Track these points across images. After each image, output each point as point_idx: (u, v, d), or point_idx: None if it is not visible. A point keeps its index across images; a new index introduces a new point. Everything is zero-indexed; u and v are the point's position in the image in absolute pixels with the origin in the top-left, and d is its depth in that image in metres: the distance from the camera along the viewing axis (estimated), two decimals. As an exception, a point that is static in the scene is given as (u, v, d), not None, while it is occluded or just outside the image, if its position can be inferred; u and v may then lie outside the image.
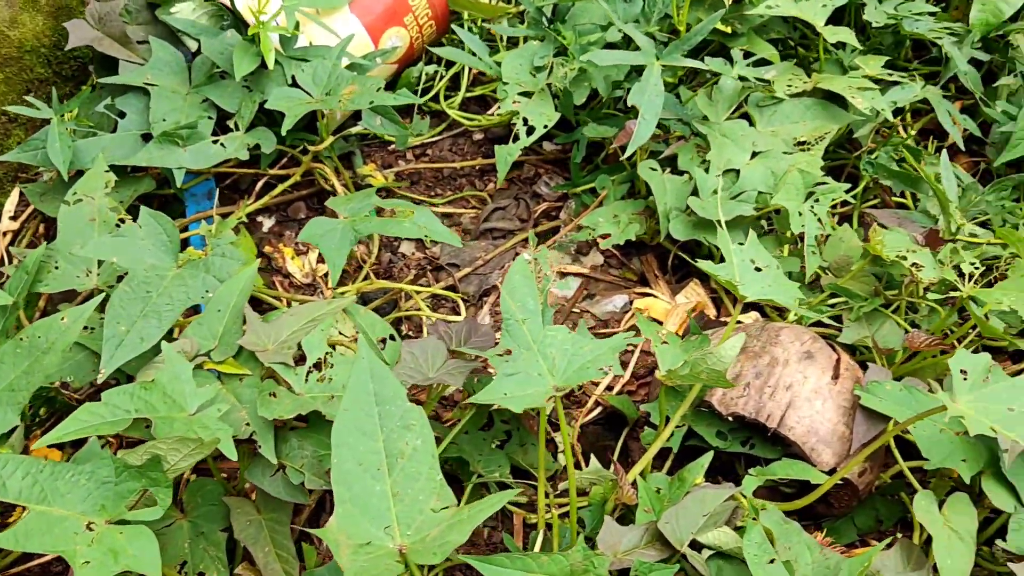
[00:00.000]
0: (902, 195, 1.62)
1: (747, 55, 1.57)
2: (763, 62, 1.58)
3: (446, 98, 1.83)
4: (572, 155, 1.60)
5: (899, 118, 1.69)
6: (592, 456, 1.28)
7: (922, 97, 1.58)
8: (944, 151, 1.39)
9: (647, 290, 1.55)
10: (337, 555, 0.86)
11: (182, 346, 1.15)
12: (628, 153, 1.35)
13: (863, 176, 1.56)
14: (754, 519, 1.04)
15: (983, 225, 1.52)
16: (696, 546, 1.09)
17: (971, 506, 1.10)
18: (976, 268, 1.21)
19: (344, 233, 1.26)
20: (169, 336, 1.20)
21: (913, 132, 1.67)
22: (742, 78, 1.47)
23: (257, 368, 1.14)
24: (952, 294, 1.21)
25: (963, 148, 1.58)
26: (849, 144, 1.66)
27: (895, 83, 1.55)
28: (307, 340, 1.14)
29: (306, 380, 1.12)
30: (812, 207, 1.35)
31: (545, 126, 1.46)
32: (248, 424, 1.08)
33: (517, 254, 1.63)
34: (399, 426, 0.95)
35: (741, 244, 1.16)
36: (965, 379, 0.96)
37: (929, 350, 1.20)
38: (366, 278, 1.56)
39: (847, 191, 1.45)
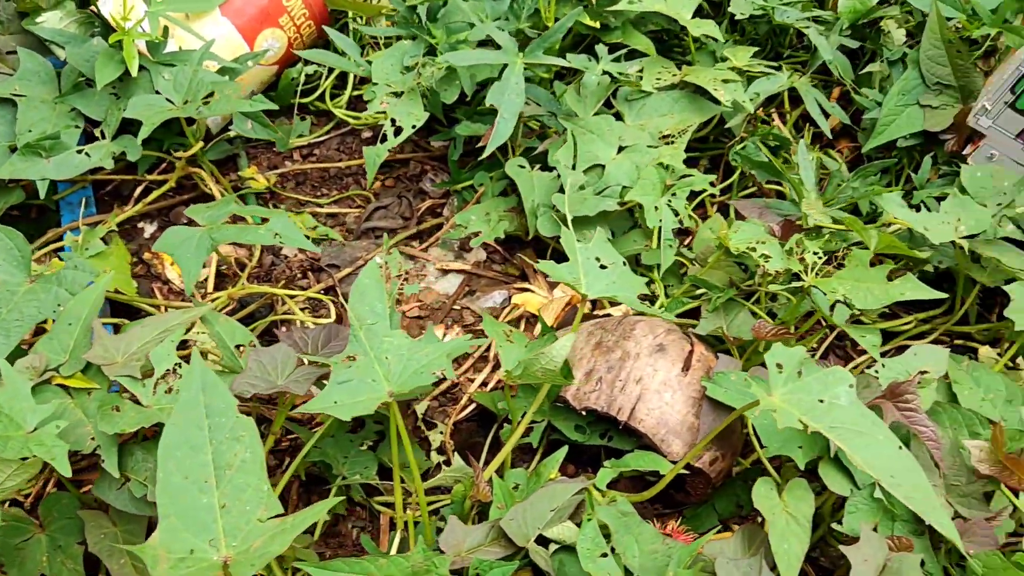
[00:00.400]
0: (779, 183, 1.65)
1: (621, 48, 1.59)
2: (635, 55, 1.59)
3: (333, 97, 1.82)
4: (449, 153, 1.61)
5: (775, 107, 1.71)
6: (455, 454, 1.30)
7: (791, 86, 1.61)
8: (803, 141, 1.41)
9: (526, 285, 1.56)
10: (154, 570, 0.87)
11: (31, 361, 1.15)
12: (487, 153, 1.37)
13: (737, 166, 1.58)
14: (590, 514, 1.06)
15: (856, 212, 1.56)
16: (545, 541, 1.11)
17: (809, 492, 1.13)
18: (819, 257, 1.23)
19: (201, 242, 1.26)
20: (20, 352, 1.20)
21: (791, 121, 1.70)
22: (606, 73, 1.48)
23: (105, 382, 1.14)
24: (794, 284, 1.24)
25: (830, 136, 1.61)
26: (725, 135, 1.69)
27: (764, 74, 1.57)
28: (155, 352, 1.15)
29: (154, 392, 1.12)
30: (669, 201, 1.37)
31: (413, 126, 1.47)
32: (93, 439, 1.08)
33: (400, 253, 1.63)
34: (228, 438, 0.96)
35: (580, 241, 1.18)
36: (780, 372, 0.99)
37: (775, 339, 1.23)
38: (248, 281, 1.56)
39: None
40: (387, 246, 1.60)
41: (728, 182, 1.62)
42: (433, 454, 1.38)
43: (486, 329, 1.17)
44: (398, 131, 1.46)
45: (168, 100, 1.42)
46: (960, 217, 1.34)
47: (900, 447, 0.92)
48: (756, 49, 1.61)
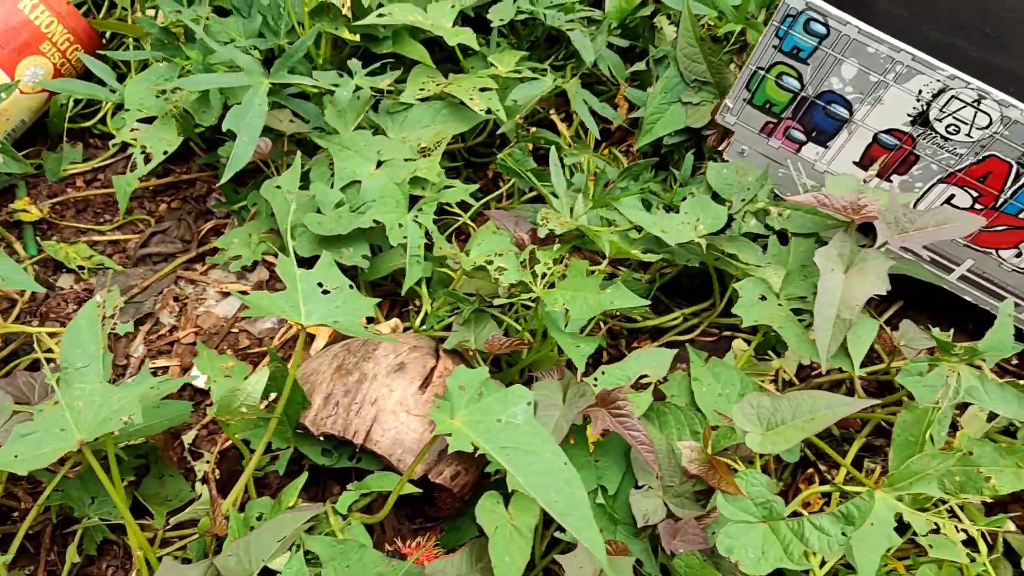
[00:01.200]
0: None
1: (392, 58, 1.59)
2: (403, 65, 1.59)
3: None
4: (219, 174, 1.59)
5: (551, 111, 1.72)
6: (203, 485, 1.29)
7: (563, 89, 1.62)
8: (553, 148, 1.42)
9: (305, 303, 1.55)
10: None
11: None
12: (223, 179, 1.35)
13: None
14: (298, 545, 1.06)
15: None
16: (271, 573, 1.12)
17: (534, 503, 1.16)
18: (548, 268, 1.25)
19: (-78, 290, 1.22)
20: None
21: (575, 124, 1.71)
22: (358, 88, 1.47)
23: None
24: (524, 297, 1.26)
25: (598, 137, 1.63)
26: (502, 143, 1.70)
27: (528, 79, 1.58)
28: None
29: None
30: (416, 216, 1.37)
31: (165, 152, 1.45)
32: None
33: (179, 278, 1.61)
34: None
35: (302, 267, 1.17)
36: (462, 393, 1.00)
37: (508, 351, 1.24)
38: (18, 318, 1.53)
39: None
40: (165, 272, 1.58)
41: (501, 190, 1.63)
42: (198, 485, 1.37)
43: (197, 365, 1.16)
44: (148, 158, 1.43)
45: None
46: (699, 216, 1.37)
47: (565, 463, 0.94)
48: (524, 54, 1.61)
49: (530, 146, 1.64)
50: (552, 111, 1.73)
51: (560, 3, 1.66)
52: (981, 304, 1.47)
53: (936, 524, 1.13)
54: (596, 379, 1.20)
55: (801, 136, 1.42)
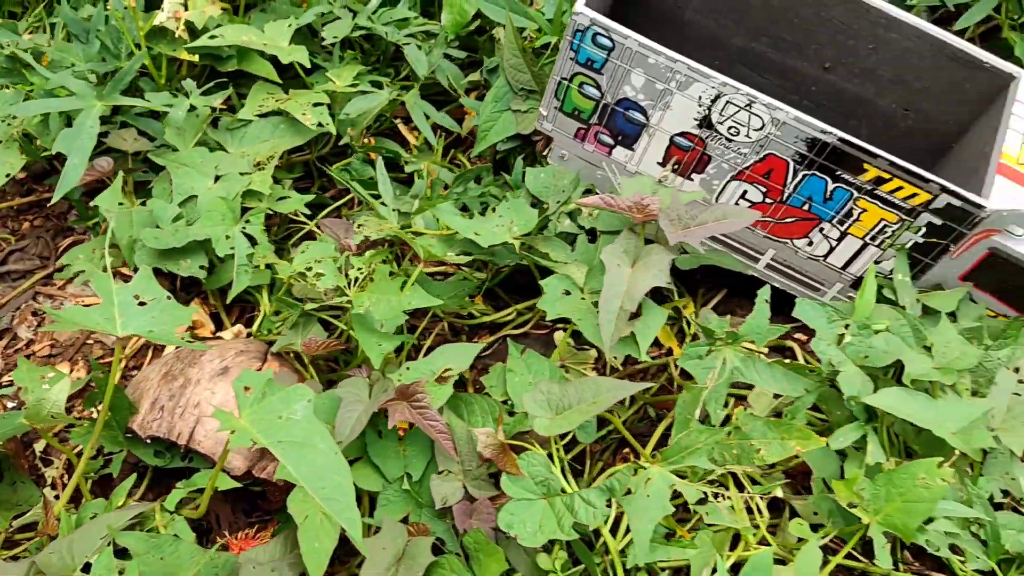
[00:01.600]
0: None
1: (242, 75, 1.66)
2: (244, 79, 1.66)
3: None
4: (69, 192, 1.65)
5: (399, 122, 1.81)
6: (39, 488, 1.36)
7: (403, 100, 1.71)
8: (379, 158, 1.51)
9: (159, 313, 1.63)
10: None
11: None
12: (55, 199, 1.42)
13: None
14: (109, 543, 1.14)
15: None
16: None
17: (344, 490, 1.25)
18: (361, 272, 1.34)
19: None
20: None
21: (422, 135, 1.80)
22: (193, 107, 1.55)
23: None
24: (339, 300, 1.34)
25: (434, 144, 1.72)
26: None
27: (368, 92, 1.66)
28: None
29: None
30: (244, 227, 1.45)
31: (8, 175, 1.51)
32: None
33: (37, 293, 1.68)
34: None
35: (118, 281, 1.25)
36: (247, 394, 1.08)
37: (324, 352, 1.33)
38: None
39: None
40: (23, 288, 1.64)
41: (349, 198, 1.71)
42: (47, 490, 1.44)
43: (15, 377, 1.23)
44: (-10, 181, 1.50)
45: None
46: (513, 219, 1.46)
47: (336, 454, 1.03)
48: (362, 68, 1.70)
49: (376, 155, 1.72)
50: (400, 122, 1.82)
51: (399, 19, 1.75)
52: (788, 290, 1.58)
53: (704, 493, 1.23)
54: (400, 375, 1.30)
55: (610, 140, 1.52)
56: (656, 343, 1.59)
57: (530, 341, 1.62)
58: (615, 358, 1.54)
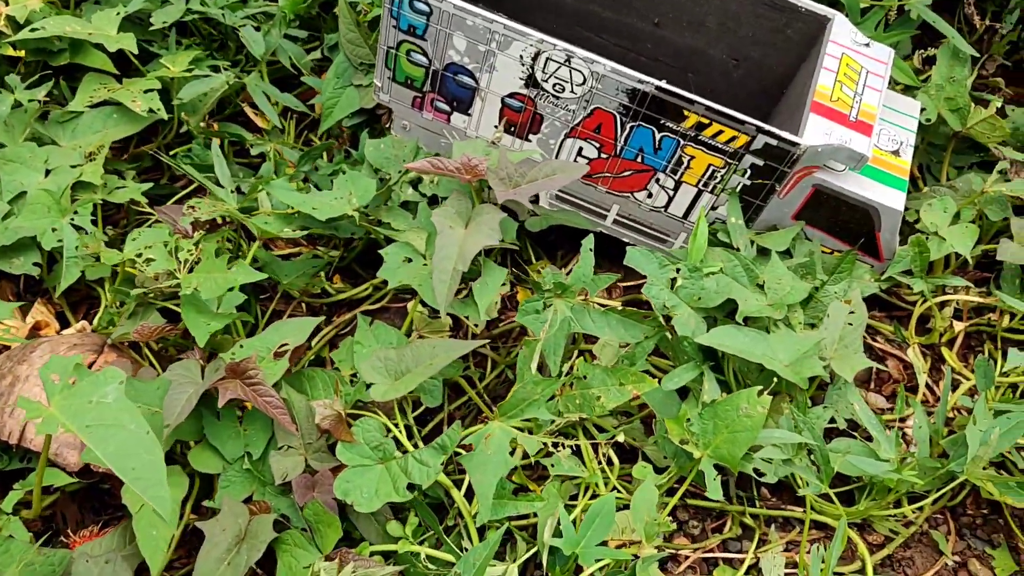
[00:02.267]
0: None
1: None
2: (81, 72, 1.62)
3: None
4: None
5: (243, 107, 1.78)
6: None
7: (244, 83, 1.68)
8: (215, 141, 1.48)
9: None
10: None
11: None
12: None
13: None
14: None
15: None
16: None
17: (184, 476, 1.23)
18: (191, 255, 1.32)
19: None
20: None
21: (293, 122, 1.77)
22: (18, 103, 1.50)
23: None
24: (170, 283, 1.32)
25: (279, 125, 1.70)
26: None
27: (203, 76, 1.63)
28: None
29: None
30: (72, 219, 1.42)
31: None
32: None
33: None
34: None
35: None
36: (56, 383, 1.06)
37: (155, 337, 1.31)
38: None
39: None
40: None
41: (196, 184, 1.68)
42: None
43: None
44: None
45: None
46: (351, 191, 1.45)
47: (148, 433, 1.01)
48: (198, 53, 1.67)
49: (219, 140, 1.69)
50: (247, 106, 1.79)
51: (235, 1, 1.72)
52: (639, 244, 1.61)
53: (544, 444, 1.25)
54: (234, 353, 1.28)
55: (446, 107, 1.52)
56: (517, 305, 1.60)
57: (389, 315, 1.62)
58: (475, 325, 1.55)
